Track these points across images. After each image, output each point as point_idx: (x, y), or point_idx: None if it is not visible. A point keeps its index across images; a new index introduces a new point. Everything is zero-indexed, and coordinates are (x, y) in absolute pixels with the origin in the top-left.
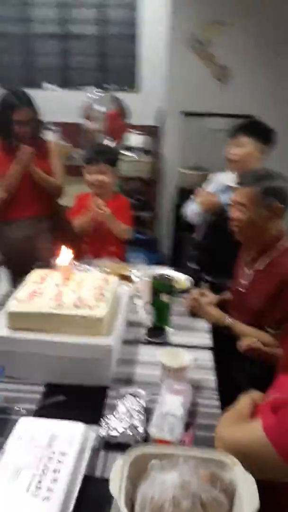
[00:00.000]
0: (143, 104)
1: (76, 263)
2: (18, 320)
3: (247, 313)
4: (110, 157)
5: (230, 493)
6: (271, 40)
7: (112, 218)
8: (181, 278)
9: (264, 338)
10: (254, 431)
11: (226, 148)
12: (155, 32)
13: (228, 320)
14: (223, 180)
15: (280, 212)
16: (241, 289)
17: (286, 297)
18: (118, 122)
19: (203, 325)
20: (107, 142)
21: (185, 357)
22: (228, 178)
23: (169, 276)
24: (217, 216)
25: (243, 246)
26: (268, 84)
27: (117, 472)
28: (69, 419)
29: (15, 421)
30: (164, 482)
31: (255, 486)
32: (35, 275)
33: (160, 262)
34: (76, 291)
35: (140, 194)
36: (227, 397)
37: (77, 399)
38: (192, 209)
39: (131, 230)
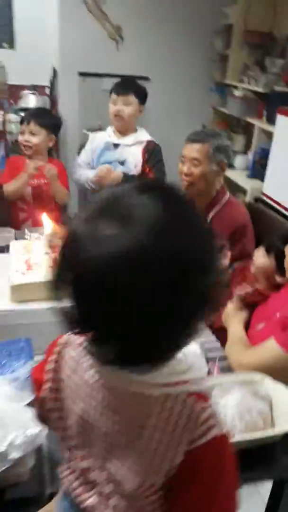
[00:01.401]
0: (26, 62)
1: (27, 232)
2: (23, 292)
3: None
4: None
5: (268, 402)
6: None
7: (56, 179)
8: None
9: None
10: (271, 350)
11: (113, 105)
12: None
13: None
14: (104, 138)
15: (225, 167)
16: None
17: (236, 244)
18: None
19: None
20: None
21: None
22: (108, 135)
23: None
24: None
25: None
26: (162, 45)
27: None
28: None
29: None
30: (226, 404)
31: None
32: (17, 246)
33: None
34: None
35: None
36: None
37: None
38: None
39: (69, 193)
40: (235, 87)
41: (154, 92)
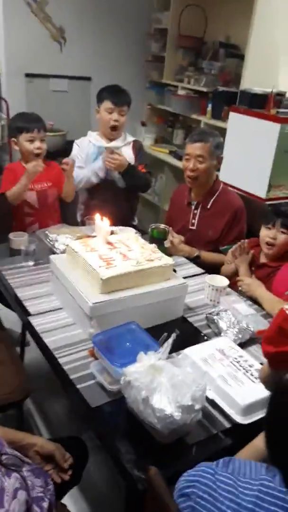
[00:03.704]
0: None
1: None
2: (111, 284)
3: (203, 243)
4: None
5: None
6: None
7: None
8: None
9: (221, 258)
10: None
11: (109, 115)
12: None
13: (196, 251)
14: (94, 144)
15: (221, 161)
16: (192, 228)
17: (236, 225)
18: None
19: (182, 259)
20: None
21: (223, 280)
22: (96, 140)
23: (164, 226)
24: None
25: (193, 191)
26: (102, 47)
27: None
28: None
29: None
30: None
31: None
32: (78, 246)
33: None
34: (131, 250)
35: None
36: None
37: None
38: (96, 168)
39: None
40: (175, 86)
41: (95, 91)
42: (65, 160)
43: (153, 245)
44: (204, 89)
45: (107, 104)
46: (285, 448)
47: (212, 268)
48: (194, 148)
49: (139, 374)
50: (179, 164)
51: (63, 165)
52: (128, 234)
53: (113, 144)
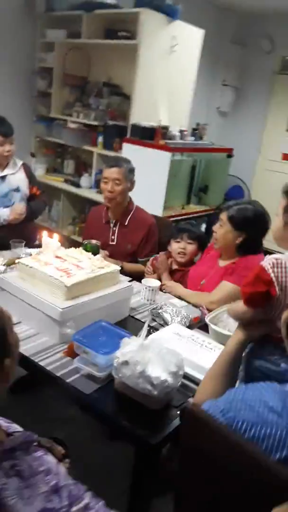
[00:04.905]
0: None
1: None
2: (73, 291)
3: (123, 256)
4: None
5: None
6: None
7: None
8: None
9: (140, 267)
10: (227, 288)
11: (1, 147)
12: None
13: (119, 263)
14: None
15: (134, 184)
16: (112, 243)
17: (150, 239)
18: None
19: None
20: None
21: (156, 281)
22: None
23: (95, 241)
24: None
25: (110, 211)
26: None
27: None
28: None
29: None
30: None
31: None
32: (32, 262)
33: None
34: (81, 261)
35: None
36: None
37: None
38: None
39: None
40: (64, 120)
41: None
42: None
43: (98, 255)
44: (95, 123)
45: None
46: None
47: (133, 277)
48: (111, 172)
49: (133, 353)
50: (74, 190)
51: None
52: (71, 249)
53: (6, 172)
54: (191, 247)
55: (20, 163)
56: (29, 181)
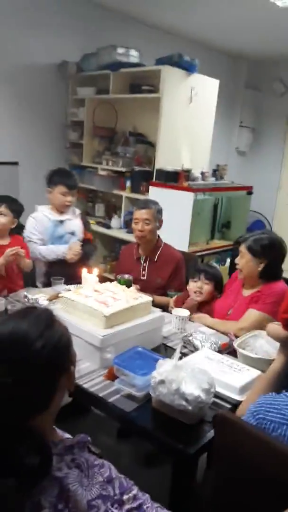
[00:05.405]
0: None
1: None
2: (111, 320)
3: (153, 290)
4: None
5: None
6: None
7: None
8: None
9: (167, 300)
10: (254, 315)
11: (63, 197)
12: None
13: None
14: (48, 217)
15: (162, 223)
16: (143, 278)
17: (179, 273)
18: None
19: None
20: None
21: (186, 311)
22: (49, 214)
23: (128, 276)
24: None
25: (141, 248)
26: (27, 135)
27: None
28: None
29: None
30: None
31: None
32: (73, 295)
33: None
34: (116, 293)
35: None
36: None
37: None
38: (61, 252)
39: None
40: (94, 168)
41: (22, 174)
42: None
43: (132, 288)
44: (123, 169)
45: (61, 188)
46: None
47: (163, 309)
48: (141, 213)
49: (168, 373)
50: (105, 231)
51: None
52: (107, 283)
53: (63, 217)
54: (207, 287)
55: (78, 212)
56: (84, 227)
